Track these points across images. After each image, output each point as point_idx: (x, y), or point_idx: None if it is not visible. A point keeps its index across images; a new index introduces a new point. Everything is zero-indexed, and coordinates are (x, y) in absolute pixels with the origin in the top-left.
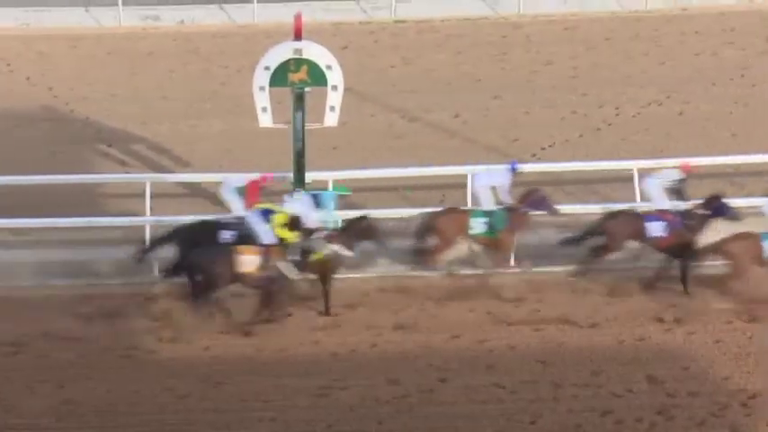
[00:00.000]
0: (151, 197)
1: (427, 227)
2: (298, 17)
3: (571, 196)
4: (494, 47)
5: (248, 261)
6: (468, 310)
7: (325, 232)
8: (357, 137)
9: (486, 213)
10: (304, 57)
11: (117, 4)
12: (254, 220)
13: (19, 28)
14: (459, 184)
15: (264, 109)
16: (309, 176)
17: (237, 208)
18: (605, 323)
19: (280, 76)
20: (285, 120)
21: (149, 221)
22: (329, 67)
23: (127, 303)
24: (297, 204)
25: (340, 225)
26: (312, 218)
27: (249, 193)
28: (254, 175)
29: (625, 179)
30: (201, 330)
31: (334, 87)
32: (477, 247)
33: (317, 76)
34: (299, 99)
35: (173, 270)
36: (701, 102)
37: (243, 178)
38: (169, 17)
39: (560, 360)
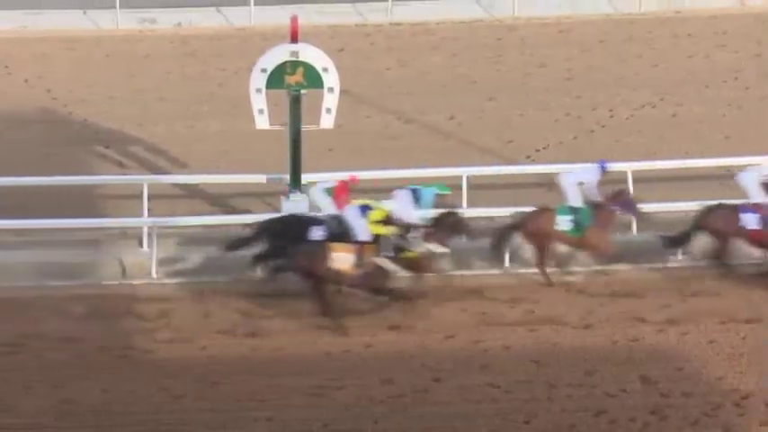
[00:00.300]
0: (148, 198)
1: (517, 227)
2: (294, 20)
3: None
4: (488, 49)
5: (342, 259)
6: (462, 310)
7: (422, 230)
8: (353, 138)
9: (573, 210)
10: (300, 59)
11: (114, 7)
12: (351, 215)
13: (17, 30)
14: (454, 186)
15: (261, 111)
16: (305, 178)
17: (329, 209)
18: (599, 324)
19: (276, 78)
20: (281, 122)
21: (147, 222)
22: (325, 70)
23: (123, 304)
24: (396, 200)
25: (429, 221)
26: (411, 214)
27: (338, 193)
28: (343, 175)
29: (619, 181)
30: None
31: (331, 89)
32: (564, 248)
33: (314, 79)
34: (296, 101)
35: (262, 263)
36: (694, 104)
37: (331, 179)
38: (166, 20)
39: (555, 360)
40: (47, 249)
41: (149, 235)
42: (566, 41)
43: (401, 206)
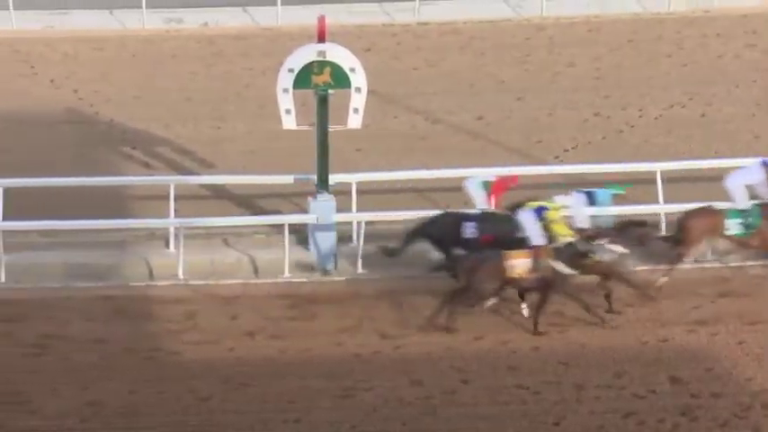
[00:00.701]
0: (175, 199)
1: (678, 225)
2: (321, 19)
3: None
4: (517, 49)
5: (519, 265)
6: (490, 311)
7: (601, 233)
8: (380, 139)
9: (742, 212)
10: (327, 59)
11: (141, 7)
12: (526, 218)
13: (43, 30)
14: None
15: (288, 111)
16: (333, 179)
17: (481, 202)
18: (628, 324)
19: (303, 78)
20: (309, 122)
21: (173, 223)
22: (352, 70)
23: (150, 305)
24: (569, 202)
25: (613, 224)
26: (584, 216)
27: (495, 189)
28: (504, 172)
29: (648, 181)
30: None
31: (358, 89)
32: (732, 247)
33: (341, 79)
34: (323, 101)
35: (438, 268)
36: (723, 104)
37: (491, 173)
38: (192, 19)
39: (583, 361)
40: (73, 250)
41: (176, 236)
42: (594, 41)
43: (575, 207)
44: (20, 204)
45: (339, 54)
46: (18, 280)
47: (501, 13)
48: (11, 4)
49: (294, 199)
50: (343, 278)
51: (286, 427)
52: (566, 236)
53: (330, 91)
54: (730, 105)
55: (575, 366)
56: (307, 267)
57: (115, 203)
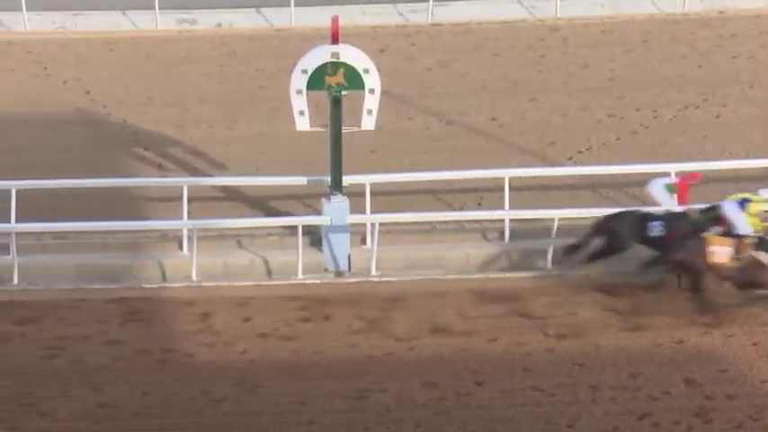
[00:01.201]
0: (188, 200)
1: None
2: (335, 20)
3: (608, 200)
4: (531, 50)
5: (721, 252)
6: (505, 312)
7: None
8: (394, 140)
9: None
10: (341, 60)
11: (154, 8)
12: (730, 209)
13: (56, 32)
14: (497, 188)
15: (302, 112)
16: (347, 180)
17: (668, 204)
18: (643, 326)
19: (317, 79)
20: (322, 123)
21: (187, 225)
22: (366, 71)
23: (163, 307)
24: None
25: None
26: None
27: (681, 190)
28: (687, 169)
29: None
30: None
31: (372, 90)
32: None
33: (354, 80)
34: (336, 103)
35: (588, 260)
36: (738, 105)
37: (672, 176)
38: (206, 21)
39: (598, 363)
40: (86, 252)
41: (189, 237)
42: (608, 42)
43: None
44: (32, 206)
45: (353, 55)
46: (31, 282)
47: (515, 14)
48: (23, 6)
49: (307, 200)
50: (357, 280)
51: (299, 429)
52: (759, 231)
53: (344, 92)
54: (745, 106)
55: (589, 368)
56: (320, 269)
57: (127, 205)
